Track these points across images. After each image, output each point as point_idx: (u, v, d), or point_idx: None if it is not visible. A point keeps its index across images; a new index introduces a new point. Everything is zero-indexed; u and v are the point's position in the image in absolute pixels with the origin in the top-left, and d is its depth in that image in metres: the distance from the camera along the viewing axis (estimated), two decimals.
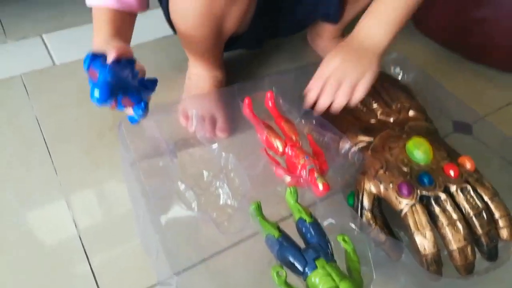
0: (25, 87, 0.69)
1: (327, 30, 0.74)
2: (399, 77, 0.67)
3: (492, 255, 0.43)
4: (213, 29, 0.53)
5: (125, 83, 0.40)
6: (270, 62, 0.77)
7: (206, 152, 0.54)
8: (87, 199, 0.53)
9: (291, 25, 0.70)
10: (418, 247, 0.42)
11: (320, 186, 0.44)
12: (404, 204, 0.43)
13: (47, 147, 0.59)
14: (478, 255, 0.43)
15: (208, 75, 0.65)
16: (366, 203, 0.46)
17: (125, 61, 0.41)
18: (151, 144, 0.52)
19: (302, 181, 0.46)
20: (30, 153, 0.58)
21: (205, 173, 0.52)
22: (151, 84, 0.45)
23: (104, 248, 0.47)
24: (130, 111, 0.43)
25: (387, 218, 0.47)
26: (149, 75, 0.45)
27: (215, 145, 0.52)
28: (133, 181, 0.46)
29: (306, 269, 0.37)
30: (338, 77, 0.49)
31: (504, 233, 0.43)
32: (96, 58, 0.40)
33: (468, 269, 0.42)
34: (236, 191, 0.50)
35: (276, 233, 0.40)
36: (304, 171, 0.46)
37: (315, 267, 0.37)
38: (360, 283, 0.38)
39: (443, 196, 0.43)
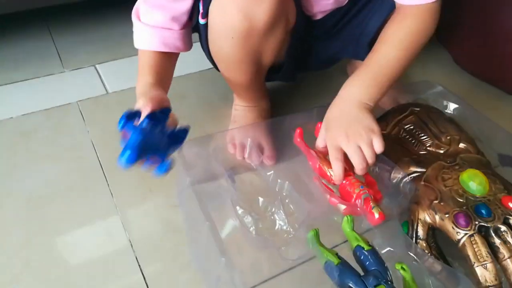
0: (81, 113, 0.77)
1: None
2: (444, 110, 0.72)
3: None
4: (252, 63, 0.61)
5: (155, 142, 0.44)
6: (311, 94, 0.83)
7: (261, 178, 0.60)
8: (142, 222, 0.58)
9: (322, 60, 0.77)
10: (479, 279, 0.44)
11: (376, 215, 0.48)
12: (462, 234, 0.47)
13: (103, 172, 0.66)
14: None
15: (253, 106, 0.72)
16: (421, 232, 0.50)
17: (160, 115, 0.45)
18: (209, 169, 0.56)
19: (358, 209, 0.48)
20: (87, 177, 0.64)
21: (260, 199, 0.57)
22: (182, 134, 0.49)
23: (159, 268, 0.51)
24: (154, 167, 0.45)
25: (442, 248, 0.50)
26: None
27: (270, 172, 0.58)
28: (191, 205, 0.49)
29: None
30: (353, 143, 0.51)
31: None
32: (130, 118, 0.44)
33: None
34: (291, 217, 0.55)
35: (335, 260, 0.44)
36: (360, 200, 0.49)
37: None
38: None
39: (503, 227, 0.46)
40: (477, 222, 0.46)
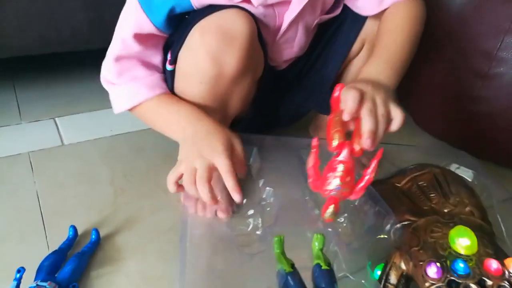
0: (31, 163, 1.00)
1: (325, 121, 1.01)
2: (469, 179, 0.89)
3: None
4: (217, 111, 0.79)
5: None
6: None
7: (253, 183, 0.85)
8: None
9: (288, 113, 0.99)
10: None
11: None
12: (430, 284, 0.59)
13: (43, 222, 0.83)
14: None
15: None
16: (392, 277, 0.64)
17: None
18: None
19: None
20: (26, 227, 0.82)
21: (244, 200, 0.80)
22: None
23: None
24: None
25: None
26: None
27: (262, 180, 0.83)
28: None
29: None
30: (375, 105, 0.66)
31: None
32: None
33: None
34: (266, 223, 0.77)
35: (287, 268, 0.59)
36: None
37: None
38: None
39: (474, 287, 0.58)
40: (449, 276, 0.59)
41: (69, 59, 1.46)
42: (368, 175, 0.67)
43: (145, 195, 0.92)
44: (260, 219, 0.78)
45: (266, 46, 0.82)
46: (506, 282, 0.58)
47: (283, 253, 0.63)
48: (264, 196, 0.82)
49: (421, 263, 0.61)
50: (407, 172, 0.85)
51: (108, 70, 0.80)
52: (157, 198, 0.91)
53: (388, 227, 0.72)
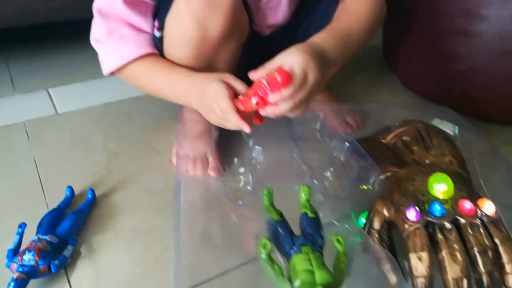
0: (26, 132, 1.04)
1: None
2: (451, 133, 0.94)
3: None
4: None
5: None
6: None
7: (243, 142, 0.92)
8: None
9: None
10: (411, 268, 0.61)
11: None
12: (408, 226, 0.64)
13: (42, 185, 0.88)
14: None
15: (201, 119, 0.93)
16: (376, 223, 0.69)
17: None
18: None
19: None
20: (25, 192, 0.86)
21: (235, 160, 0.91)
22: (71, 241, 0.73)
23: None
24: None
25: (395, 245, 0.68)
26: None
27: (251, 139, 0.88)
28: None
29: (292, 251, 0.59)
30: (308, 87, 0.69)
31: (510, 280, 0.60)
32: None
33: None
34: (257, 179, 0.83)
35: (276, 217, 0.64)
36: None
37: (300, 251, 0.58)
38: (338, 281, 0.57)
39: (448, 225, 0.63)
40: (426, 218, 0.64)
41: (60, 30, 1.49)
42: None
43: (137, 157, 0.96)
44: (250, 176, 0.83)
45: (250, 11, 0.85)
46: (478, 220, 0.63)
47: (272, 204, 0.68)
48: (254, 155, 0.87)
49: (402, 208, 0.66)
50: (392, 128, 0.90)
51: (97, 28, 0.82)
52: (149, 159, 0.95)
53: (372, 178, 0.77)
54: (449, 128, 0.92)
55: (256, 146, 0.87)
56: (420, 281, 0.59)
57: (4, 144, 1.00)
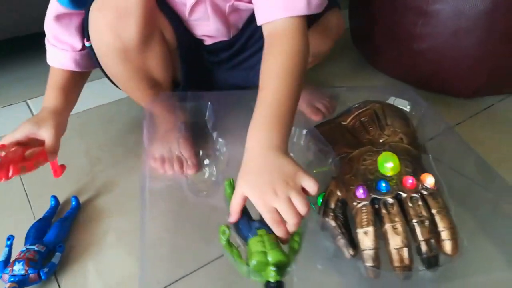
0: None
1: None
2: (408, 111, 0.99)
3: (430, 264, 0.67)
4: (143, 80, 0.89)
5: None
6: None
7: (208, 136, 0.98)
8: None
9: (227, 87, 1.06)
10: (359, 242, 0.68)
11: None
12: (356, 203, 0.71)
13: (27, 195, 0.95)
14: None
15: (164, 119, 1.02)
16: (331, 203, 0.76)
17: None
18: None
19: None
20: (11, 205, 0.94)
21: (201, 152, 0.99)
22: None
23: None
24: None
25: (349, 222, 0.74)
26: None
27: (215, 132, 0.94)
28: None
29: (250, 234, 0.64)
30: (283, 197, 0.61)
31: (446, 246, 0.67)
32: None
33: (404, 273, 0.65)
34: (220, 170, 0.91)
35: None
36: None
37: (255, 235, 0.63)
38: (290, 259, 0.62)
39: (391, 200, 0.70)
40: (372, 195, 0.70)
41: (35, 41, 1.50)
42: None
43: (118, 161, 1.03)
44: (214, 167, 0.91)
45: (181, 18, 0.90)
46: (418, 193, 0.70)
47: (232, 193, 0.71)
48: (218, 147, 0.94)
49: (352, 187, 0.73)
50: (352, 110, 0.95)
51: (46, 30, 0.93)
52: (130, 162, 1.02)
53: (330, 161, 0.84)
54: (405, 106, 0.97)
55: (220, 139, 0.94)
56: (367, 254, 0.66)
57: None
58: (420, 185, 0.71)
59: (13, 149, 0.76)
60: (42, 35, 0.93)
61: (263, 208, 0.61)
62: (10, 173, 0.73)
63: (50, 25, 0.90)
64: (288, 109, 0.68)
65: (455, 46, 1.08)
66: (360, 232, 0.68)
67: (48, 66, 0.92)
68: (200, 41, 0.96)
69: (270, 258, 0.59)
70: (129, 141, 1.09)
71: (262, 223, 0.64)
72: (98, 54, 0.85)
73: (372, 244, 0.66)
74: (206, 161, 0.96)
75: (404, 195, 0.70)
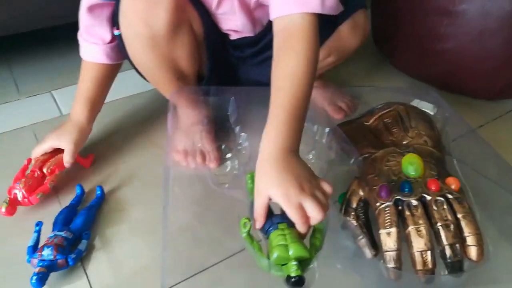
0: (35, 135, 1.12)
1: None
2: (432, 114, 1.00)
3: (454, 269, 0.67)
4: (169, 70, 0.90)
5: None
6: None
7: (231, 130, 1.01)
8: None
9: (250, 83, 1.06)
10: (381, 243, 0.68)
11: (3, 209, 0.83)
12: (380, 203, 0.72)
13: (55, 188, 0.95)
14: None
15: (191, 111, 1.01)
16: (353, 202, 0.77)
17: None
18: None
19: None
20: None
21: (223, 146, 1.01)
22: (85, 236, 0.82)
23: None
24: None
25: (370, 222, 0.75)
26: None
27: (238, 126, 0.97)
28: None
29: (271, 228, 0.65)
30: (309, 194, 0.63)
31: (471, 252, 0.67)
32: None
33: (426, 276, 0.66)
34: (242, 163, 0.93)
35: None
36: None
37: (276, 228, 0.64)
38: (311, 255, 0.63)
39: (415, 202, 0.70)
40: (395, 196, 0.71)
41: (59, 33, 1.53)
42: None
43: (141, 153, 1.05)
44: (236, 161, 0.93)
45: (209, 11, 0.91)
46: (443, 197, 0.70)
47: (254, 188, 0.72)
48: (240, 141, 0.96)
49: (375, 187, 0.73)
50: (375, 111, 0.96)
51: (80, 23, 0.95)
52: (152, 154, 1.04)
53: (352, 160, 0.85)
54: (429, 109, 0.98)
55: (242, 133, 0.96)
56: (389, 255, 0.67)
57: (14, 148, 1.08)
58: (444, 189, 0.71)
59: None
60: (67, 27, 0.96)
61: (288, 204, 0.62)
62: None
63: (83, 17, 0.93)
64: (303, 112, 0.70)
65: (480, 47, 1.07)
66: (383, 233, 0.68)
67: (72, 58, 0.95)
68: (226, 36, 0.97)
69: (291, 252, 0.60)
70: (151, 133, 1.11)
71: (283, 217, 0.64)
72: (127, 42, 0.87)
73: (394, 245, 0.67)
74: (228, 155, 0.98)
75: (428, 197, 0.70)
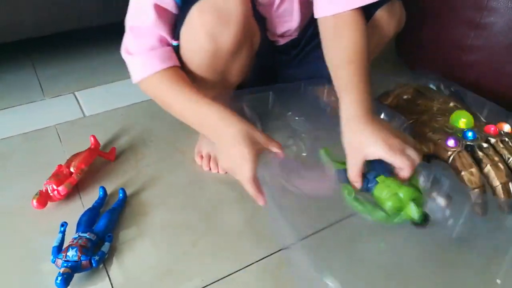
0: (58, 135, 1.09)
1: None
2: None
3: None
4: (219, 83, 0.87)
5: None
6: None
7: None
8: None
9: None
10: (466, 183, 0.69)
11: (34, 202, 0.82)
12: (451, 152, 0.73)
13: (77, 185, 0.90)
14: None
15: None
16: None
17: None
18: None
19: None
20: None
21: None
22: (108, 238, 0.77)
23: None
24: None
25: None
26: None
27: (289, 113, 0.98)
28: None
29: (371, 185, 0.65)
30: (411, 145, 0.70)
31: None
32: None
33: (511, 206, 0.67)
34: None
35: (343, 166, 0.70)
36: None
37: (377, 183, 0.65)
38: (419, 191, 0.63)
39: (485, 144, 0.74)
40: (464, 142, 0.73)
41: (82, 35, 1.54)
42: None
43: (163, 157, 0.99)
44: (302, 143, 0.91)
45: (263, 20, 0.90)
46: (504, 137, 0.75)
47: (333, 159, 0.74)
48: (296, 126, 0.95)
49: (439, 140, 0.75)
50: (388, 93, 1.00)
51: (128, 41, 0.82)
52: (174, 158, 0.98)
53: (404, 125, 0.84)
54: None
55: (296, 118, 0.95)
56: (477, 192, 0.68)
57: (38, 148, 1.04)
58: (501, 131, 0.76)
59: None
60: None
61: (392, 153, 0.65)
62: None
63: (148, 19, 0.79)
64: (367, 85, 0.76)
65: (508, 60, 1.05)
66: (465, 174, 0.70)
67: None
68: (273, 43, 0.97)
69: (402, 195, 0.62)
70: (173, 137, 1.05)
71: (376, 170, 0.66)
72: (185, 54, 0.82)
73: (479, 182, 0.69)
74: (290, 141, 0.93)
75: (493, 139, 0.74)
